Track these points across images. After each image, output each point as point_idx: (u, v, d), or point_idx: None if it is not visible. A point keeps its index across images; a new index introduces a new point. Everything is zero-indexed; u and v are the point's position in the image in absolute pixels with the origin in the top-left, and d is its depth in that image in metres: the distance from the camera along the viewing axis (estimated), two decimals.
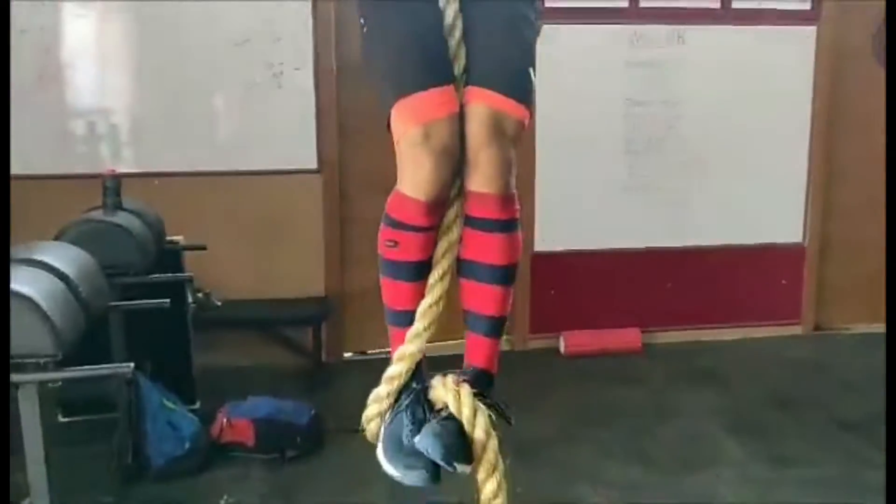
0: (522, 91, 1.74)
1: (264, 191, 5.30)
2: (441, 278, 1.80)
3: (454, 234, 1.80)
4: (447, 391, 1.72)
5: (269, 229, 5.31)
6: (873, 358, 4.30)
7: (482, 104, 1.69)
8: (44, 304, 2.67)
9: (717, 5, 5.61)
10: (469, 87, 1.71)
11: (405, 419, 1.76)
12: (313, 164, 5.36)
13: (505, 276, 1.82)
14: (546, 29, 5.30)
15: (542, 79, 5.07)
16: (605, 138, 5.62)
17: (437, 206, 1.75)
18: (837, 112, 5.82)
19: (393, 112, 1.72)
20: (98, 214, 3.84)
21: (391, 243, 1.78)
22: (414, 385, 1.80)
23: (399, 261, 1.79)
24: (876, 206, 5.72)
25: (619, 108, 5.61)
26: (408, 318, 1.80)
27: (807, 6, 5.68)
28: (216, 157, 5.26)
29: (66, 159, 5.12)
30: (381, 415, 1.82)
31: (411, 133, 1.68)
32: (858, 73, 5.78)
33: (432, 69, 1.71)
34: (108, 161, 5.08)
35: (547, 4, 5.30)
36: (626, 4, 5.52)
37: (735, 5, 5.62)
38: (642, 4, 5.53)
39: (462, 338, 1.86)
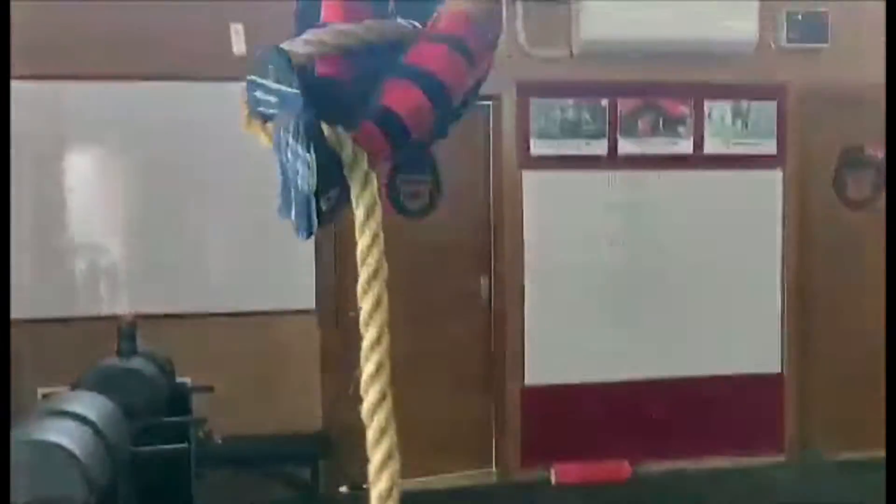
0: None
1: (264, 330, 5.50)
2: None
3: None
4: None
5: (269, 366, 5.48)
6: (857, 485, 4.45)
7: None
8: (78, 453, 2.83)
9: (690, 151, 6.01)
10: None
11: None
12: (311, 304, 5.58)
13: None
14: (533, 176, 5.71)
15: (531, 220, 5.43)
16: (589, 276, 5.91)
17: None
18: (806, 246, 6.17)
19: None
20: (116, 361, 4.01)
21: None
22: None
23: None
24: (850, 333, 6.04)
25: (603, 247, 5.92)
26: None
27: (772, 151, 6.10)
28: (217, 297, 5.48)
29: (70, 301, 5.32)
30: None
31: None
32: (823, 210, 6.17)
33: None
34: (109, 303, 5.31)
35: (533, 153, 5.74)
36: (604, 152, 5.90)
37: (707, 151, 6.02)
38: (621, 152, 5.92)
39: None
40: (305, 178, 1.31)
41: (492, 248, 5.96)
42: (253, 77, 1.40)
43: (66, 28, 5.21)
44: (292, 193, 1.36)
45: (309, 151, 1.29)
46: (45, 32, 5.10)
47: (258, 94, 1.39)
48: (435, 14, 1.56)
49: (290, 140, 1.32)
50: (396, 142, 1.43)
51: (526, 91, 5.81)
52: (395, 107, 1.43)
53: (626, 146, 5.93)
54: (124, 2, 5.29)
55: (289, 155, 1.33)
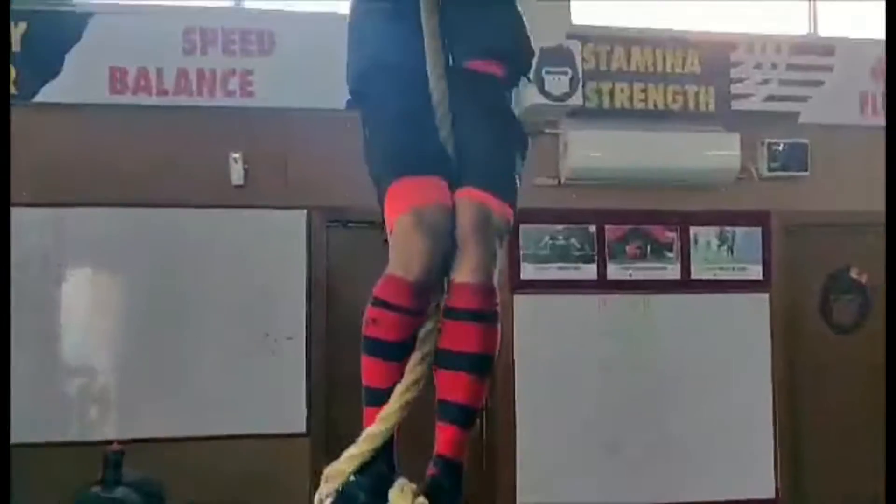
0: (509, 192, 1.98)
1: (255, 452, 5.46)
2: (420, 361, 1.87)
3: (434, 323, 1.89)
4: (402, 498, 1.76)
5: (260, 489, 5.40)
6: None
7: (473, 199, 1.90)
8: None
9: (677, 276, 6.12)
10: (462, 187, 1.91)
11: (362, 496, 1.82)
12: (302, 428, 5.57)
13: (478, 364, 1.89)
14: (524, 299, 5.76)
15: (522, 343, 5.45)
16: (580, 400, 5.90)
17: (422, 290, 1.85)
18: (797, 369, 6.20)
19: (387, 198, 1.90)
20: (99, 491, 3.96)
21: (372, 321, 1.87)
22: (382, 467, 1.85)
23: (378, 338, 1.87)
24: (844, 458, 6.01)
25: (593, 371, 5.94)
26: (382, 398, 1.86)
27: (758, 276, 6.21)
28: (209, 420, 5.45)
29: (59, 425, 5.30)
30: (337, 492, 1.84)
31: (404, 215, 1.85)
32: (811, 333, 6.23)
33: (425, 161, 1.91)
34: (100, 427, 5.30)
35: (524, 277, 5.83)
36: (594, 277, 6.01)
37: (694, 276, 6.12)
38: (610, 276, 6.02)
39: None
40: None
41: None
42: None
43: (69, 157, 5.38)
44: None
45: None
46: (48, 161, 5.28)
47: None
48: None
49: None
50: None
51: (516, 218, 5.91)
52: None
53: (614, 271, 6.03)
54: (126, 131, 5.48)
55: None
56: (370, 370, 1.90)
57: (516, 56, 2.21)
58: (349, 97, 2.16)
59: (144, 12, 5.64)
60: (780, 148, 6.20)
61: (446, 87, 1.97)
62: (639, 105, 6.09)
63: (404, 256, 1.86)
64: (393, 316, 1.86)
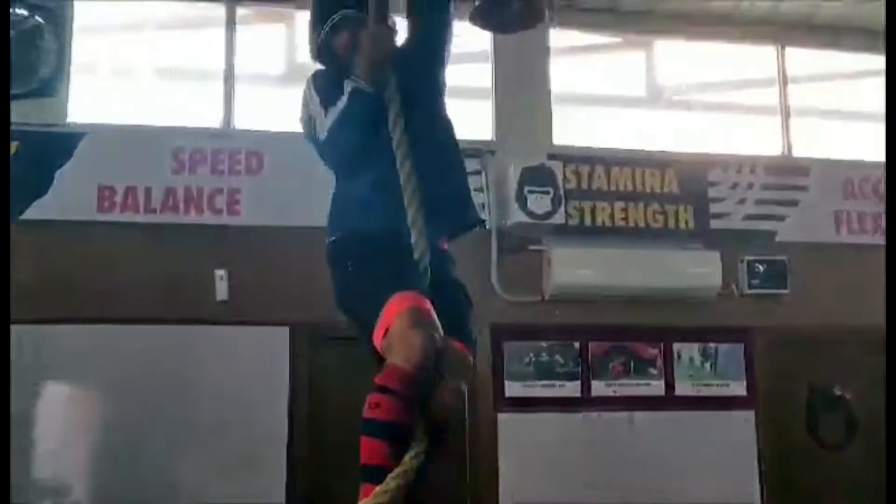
0: (471, 341, 2.53)
1: None
2: (415, 456, 2.15)
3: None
4: None
5: None
6: None
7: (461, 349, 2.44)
8: None
9: (661, 392, 6.10)
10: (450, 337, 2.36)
11: None
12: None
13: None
14: (508, 418, 5.68)
15: (507, 462, 5.36)
16: None
17: (419, 379, 2.16)
18: (785, 489, 6.10)
19: (388, 305, 2.23)
20: None
21: (374, 405, 2.15)
22: None
23: (378, 419, 2.15)
24: None
25: (578, 489, 5.83)
26: (378, 475, 2.10)
27: (742, 392, 6.20)
28: None
29: None
30: None
31: (406, 311, 2.20)
32: (798, 451, 6.17)
33: (416, 285, 2.32)
34: None
35: (508, 394, 5.81)
36: (578, 394, 5.98)
37: (678, 392, 6.11)
38: (594, 393, 6.00)
39: None
40: None
41: (468, 488, 5.87)
42: None
43: (54, 274, 5.39)
44: None
45: None
46: (33, 278, 5.27)
47: None
48: None
49: None
50: None
51: (500, 334, 5.96)
52: None
53: (598, 388, 6.02)
54: (112, 248, 5.52)
55: None
56: (368, 449, 2.17)
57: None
58: (333, 240, 2.56)
59: (135, 132, 5.76)
60: (760, 265, 6.30)
61: (426, 245, 2.41)
62: (620, 223, 6.21)
63: (405, 346, 2.18)
64: (392, 400, 2.15)
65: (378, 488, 2.08)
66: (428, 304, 2.28)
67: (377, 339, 2.28)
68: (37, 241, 5.37)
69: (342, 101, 2.50)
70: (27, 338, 5.30)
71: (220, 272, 5.57)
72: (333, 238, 2.55)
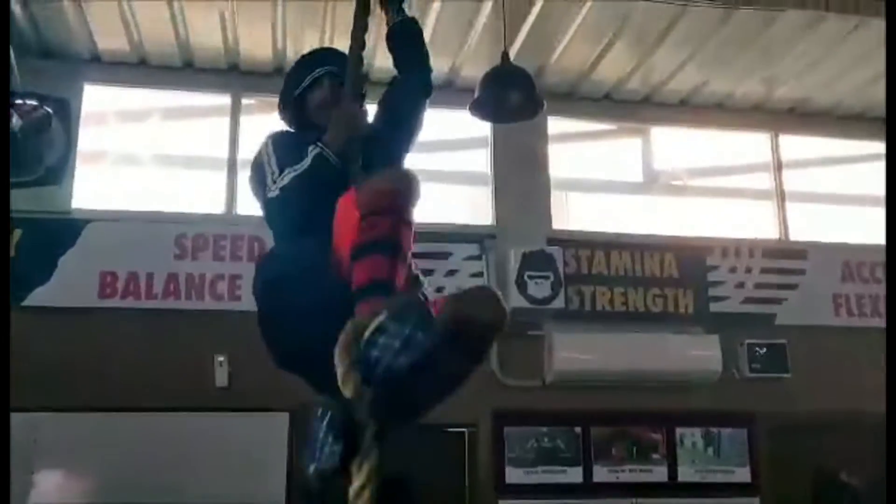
0: None
1: None
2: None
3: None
4: None
5: None
6: None
7: None
8: None
9: (665, 479, 6.02)
10: None
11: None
12: None
13: None
14: None
15: None
16: None
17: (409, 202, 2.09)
18: None
19: (337, 221, 2.14)
20: None
21: (368, 227, 2.03)
22: None
23: (376, 239, 2.02)
24: None
25: None
26: (386, 289, 1.97)
27: (747, 479, 6.12)
28: None
29: None
30: None
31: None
32: None
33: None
34: None
35: (509, 481, 5.74)
36: (579, 480, 5.91)
37: (681, 479, 6.03)
38: (595, 479, 5.92)
39: None
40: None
41: None
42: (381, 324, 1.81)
43: (54, 361, 5.38)
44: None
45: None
46: (33, 365, 5.26)
47: (382, 339, 1.78)
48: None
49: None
50: None
51: (501, 419, 5.92)
52: None
53: (600, 474, 5.94)
54: (113, 334, 5.53)
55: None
56: (369, 267, 2.00)
57: None
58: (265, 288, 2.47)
59: (138, 219, 5.83)
60: (760, 349, 6.29)
61: None
62: (620, 307, 6.22)
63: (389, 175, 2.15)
64: (387, 219, 2.04)
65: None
66: None
67: (346, 247, 2.10)
68: (37, 327, 5.37)
69: (304, 163, 2.46)
70: (26, 425, 5.27)
71: (220, 357, 5.56)
72: (264, 289, 2.45)
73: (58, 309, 5.49)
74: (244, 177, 6.17)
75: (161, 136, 6.18)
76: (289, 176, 2.47)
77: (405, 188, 2.12)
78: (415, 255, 6.68)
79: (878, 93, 6.42)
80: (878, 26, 5.49)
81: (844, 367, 6.24)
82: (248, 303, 5.93)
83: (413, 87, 2.74)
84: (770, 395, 6.25)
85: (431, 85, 2.78)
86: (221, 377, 5.53)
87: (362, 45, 2.56)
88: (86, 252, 5.62)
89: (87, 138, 5.96)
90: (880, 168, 6.82)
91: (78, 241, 5.63)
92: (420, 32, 2.81)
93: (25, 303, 5.42)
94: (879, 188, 6.62)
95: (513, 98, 5.09)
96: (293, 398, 5.46)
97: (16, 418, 5.08)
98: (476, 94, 5.05)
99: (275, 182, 2.48)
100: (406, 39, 2.77)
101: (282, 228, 2.52)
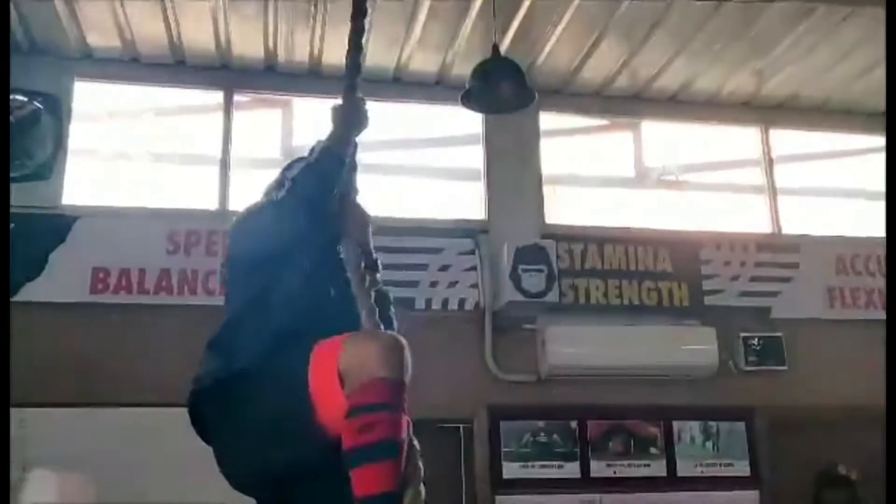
0: None
1: None
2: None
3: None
4: None
5: None
6: None
7: None
8: None
9: (663, 473, 5.97)
10: None
11: None
12: None
13: None
14: (507, 500, 5.53)
15: None
16: None
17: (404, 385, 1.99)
18: None
19: (314, 368, 1.99)
20: None
21: (363, 428, 1.88)
22: None
23: (379, 440, 1.90)
24: None
25: None
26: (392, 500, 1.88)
27: (746, 472, 6.08)
28: None
29: None
30: None
31: (346, 340, 2.00)
32: None
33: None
34: None
35: (506, 476, 5.69)
36: (577, 475, 5.86)
37: (680, 473, 5.98)
38: (593, 474, 5.87)
39: None
40: None
41: None
42: None
43: (45, 356, 5.31)
44: None
45: None
46: (23, 360, 5.19)
47: None
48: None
49: None
50: None
51: (496, 415, 5.88)
52: None
53: (598, 468, 5.89)
54: (104, 330, 5.48)
55: None
56: (372, 477, 1.89)
57: None
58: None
59: (131, 215, 5.79)
60: (756, 342, 6.26)
61: None
62: (614, 301, 6.19)
63: (371, 358, 1.96)
64: (387, 414, 1.92)
65: None
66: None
67: (331, 407, 1.97)
68: (28, 323, 5.30)
69: (312, 156, 2.47)
70: (17, 420, 5.21)
71: None
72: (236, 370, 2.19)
73: (49, 304, 5.43)
74: (236, 173, 6.19)
75: (153, 132, 6.16)
76: (297, 166, 2.48)
77: (399, 375, 1.96)
78: (408, 251, 6.68)
79: (869, 85, 6.47)
80: (870, 14, 5.52)
81: (840, 360, 6.22)
82: None
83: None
84: (767, 388, 6.22)
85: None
86: None
87: (360, 48, 2.54)
88: (77, 248, 5.57)
89: (78, 134, 5.92)
90: (871, 161, 6.86)
91: (69, 236, 5.58)
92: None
93: (16, 298, 5.35)
94: (871, 182, 6.68)
95: (504, 88, 5.11)
96: None
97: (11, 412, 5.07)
98: (467, 86, 5.06)
99: (283, 186, 2.43)
100: None
101: (287, 228, 2.34)
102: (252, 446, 2.15)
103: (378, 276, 2.50)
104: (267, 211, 2.42)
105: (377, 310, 2.29)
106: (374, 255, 2.52)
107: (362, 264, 2.39)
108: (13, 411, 5.00)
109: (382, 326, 2.27)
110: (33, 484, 5.24)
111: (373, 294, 2.35)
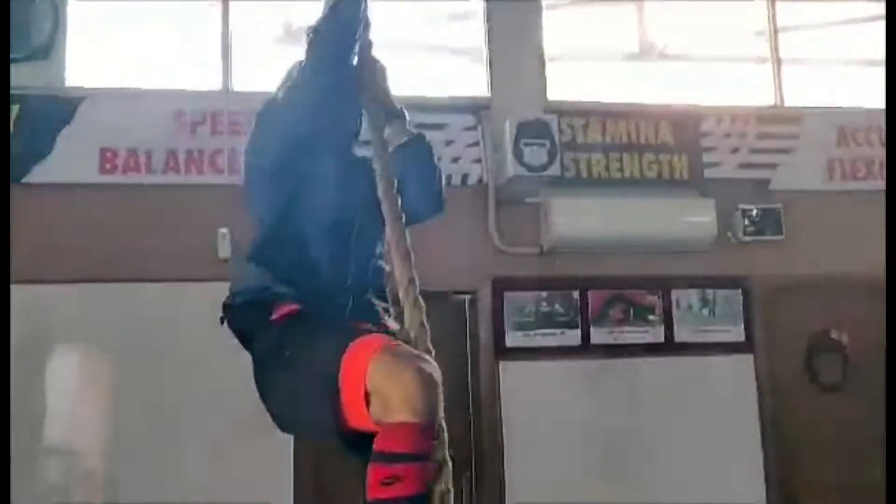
0: None
1: None
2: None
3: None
4: None
5: None
6: None
7: None
8: None
9: (661, 339, 6.18)
10: None
11: None
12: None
13: None
14: (509, 365, 5.76)
15: (508, 408, 5.45)
16: (566, 465, 5.84)
17: (433, 426, 1.79)
18: (783, 428, 6.18)
19: (345, 366, 1.86)
20: None
21: (388, 480, 1.74)
22: None
23: (402, 497, 1.76)
24: None
25: (578, 436, 5.92)
26: None
27: (741, 338, 6.28)
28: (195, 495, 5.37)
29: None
30: None
31: (378, 354, 1.82)
32: (796, 392, 6.27)
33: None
34: None
35: (509, 344, 5.89)
36: (578, 342, 6.07)
37: (677, 339, 6.19)
38: (593, 341, 6.09)
39: None
40: None
41: (471, 436, 5.95)
42: None
43: (58, 235, 5.45)
44: None
45: None
46: (37, 240, 5.33)
47: None
48: None
49: None
50: None
51: (500, 286, 6.04)
52: None
53: (598, 336, 6.10)
54: (115, 209, 5.59)
55: None
56: None
57: None
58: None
59: (135, 96, 5.82)
60: (755, 213, 6.37)
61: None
62: (615, 174, 6.27)
63: (400, 394, 1.80)
64: (412, 467, 1.78)
65: None
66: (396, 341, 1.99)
67: (355, 412, 1.88)
68: (40, 203, 5.43)
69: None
70: (28, 298, 5.37)
71: (223, 230, 5.63)
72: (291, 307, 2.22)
73: (59, 185, 5.53)
74: (238, 52, 6.15)
75: (154, 11, 6.10)
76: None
77: (428, 419, 1.80)
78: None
79: None
80: None
81: (837, 231, 6.34)
82: None
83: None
84: (764, 257, 6.36)
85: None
86: (224, 249, 5.61)
87: None
88: (84, 129, 5.62)
89: (78, 14, 5.89)
90: (876, 29, 6.78)
91: (75, 117, 5.62)
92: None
93: (25, 179, 5.46)
94: (876, 51, 6.62)
95: None
96: None
97: (23, 290, 5.23)
98: None
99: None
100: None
101: (312, 98, 2.30)
102: (279, 394, 2.19)
103: (406, 123, 2.57)
104: (291, 90, 2.36)
105: (396, 183, 2.32)
106: (400, 105, 2.55)
107: (383, 118, 2.44)
108: (30, 288, 5.18)
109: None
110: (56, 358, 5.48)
111: (405, 144, 2.48)
